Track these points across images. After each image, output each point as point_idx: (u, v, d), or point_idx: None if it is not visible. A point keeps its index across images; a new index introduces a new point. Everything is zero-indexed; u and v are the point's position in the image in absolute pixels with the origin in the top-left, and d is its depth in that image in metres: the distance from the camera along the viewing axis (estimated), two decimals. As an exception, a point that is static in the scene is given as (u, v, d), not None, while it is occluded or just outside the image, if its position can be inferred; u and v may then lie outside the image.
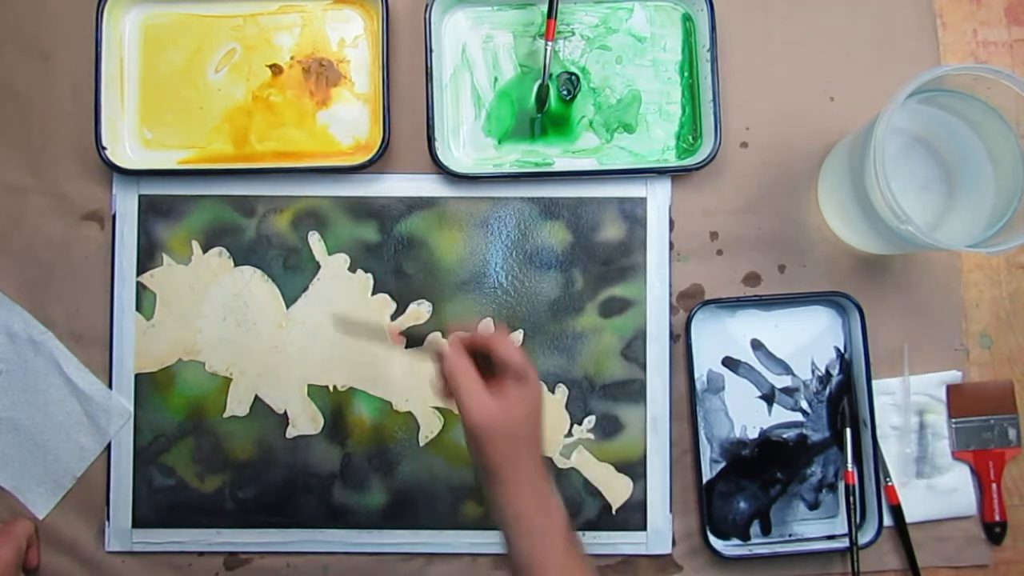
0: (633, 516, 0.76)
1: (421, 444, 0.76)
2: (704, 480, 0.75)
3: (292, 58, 0.78)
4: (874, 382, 0.75)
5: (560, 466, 0.76)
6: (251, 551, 0.76)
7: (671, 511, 0.76)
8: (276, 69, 0.78)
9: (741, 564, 0.75)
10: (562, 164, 0.77)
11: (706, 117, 0.76)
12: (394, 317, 0.77)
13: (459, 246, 0.77)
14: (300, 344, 0.77)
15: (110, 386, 0.76)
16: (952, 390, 0.76)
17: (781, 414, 0.77)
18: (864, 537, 0.74)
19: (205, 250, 0.77)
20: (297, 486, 0.76)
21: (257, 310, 0.77)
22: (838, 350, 0.77)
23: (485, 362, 0.59)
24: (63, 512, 0.76)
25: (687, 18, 0.78)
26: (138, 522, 0.76)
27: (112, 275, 0.77)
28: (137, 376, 0.76)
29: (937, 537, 0.76)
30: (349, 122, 0.78)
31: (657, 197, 0.77)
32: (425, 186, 0.77)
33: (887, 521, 0.75)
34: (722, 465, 0.76)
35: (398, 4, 0.77)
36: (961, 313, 0.77)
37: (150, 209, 0.77)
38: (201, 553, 0.76)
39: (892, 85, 0.65)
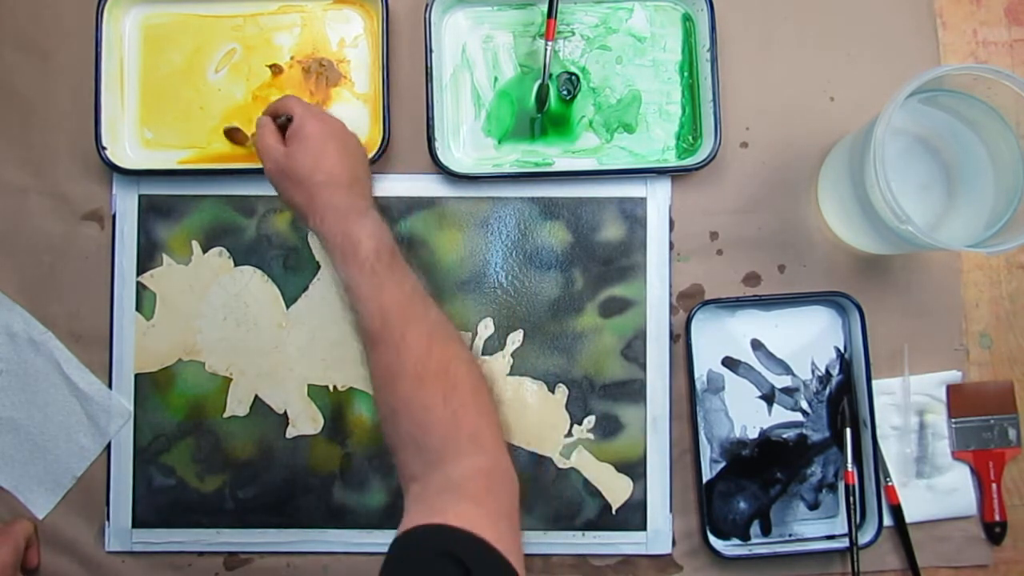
0: (633, 516, 0.76)
1: (421, 444, 0.76)
2: (704, 480, 0.75)
3: (292, 58, 0.78)
4: (874, 382, 0.75)
5: (560, 466, 0.76)
6: (251, 551, 0.76)
7: (671, 511, 0.76)
8: (276, 69, 0.78)
9: (741, 564, 0.75)
10: (562, 164, 0.77)
11: (706, 117, 0.76)
12: (394, 317, 0.77)
13: (459, 246, 0.77)
14: (300, 344, 0.77)
15: (110, 386, 0.76)
16: (952, 390, 0.76)
17: (781, 414, 0.77)
18: (864, 537, 0.74)
19: (205, 250, 0.77)
20: (297, 486, 0.76)
21: (257, 310, 0.77)
22: (838, 350, 0.77)
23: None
24: (63, 512, 0.76)
25: (687, 18, 0.78)
26: (138, 522, 0.76)
27: (112, 275, 0.77)
28: (137, 376, 0.76)
29: (937, 537, 0.76)
30: (349, 122, 0.76)
31: (657, 197, 0.77)
32: (425, 186, 0.77)
33: (887, 521, 0.75)
34: (722, 465, 0.76)
35: (398, 4, 0.77)
36: (961, 313, 0.77)
37: (150, 209, 0.77)
38: (201, 553, 0.76)
39: (892, 85, 0.65)
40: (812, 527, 0.76)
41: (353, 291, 0.61)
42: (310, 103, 0.68)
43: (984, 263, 0.78)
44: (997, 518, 0.76)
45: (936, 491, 0.76)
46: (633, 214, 0.77)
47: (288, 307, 0.77)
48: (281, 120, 0.67)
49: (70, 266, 0.77)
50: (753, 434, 0.77)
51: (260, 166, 0.75)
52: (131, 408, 0.76)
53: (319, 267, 0.77)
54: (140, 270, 0.77)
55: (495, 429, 0.59)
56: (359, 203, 0.64)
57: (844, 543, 0.74)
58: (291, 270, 0.77)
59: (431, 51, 0.75)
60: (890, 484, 0.75)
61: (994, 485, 0.76)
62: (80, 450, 0.76)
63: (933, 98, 0.69)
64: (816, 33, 0.78)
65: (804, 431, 0.77)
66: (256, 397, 0.77)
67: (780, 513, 0.76)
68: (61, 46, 0.78)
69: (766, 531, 0.76)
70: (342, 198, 0.63)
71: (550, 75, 0.76)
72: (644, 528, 0.76)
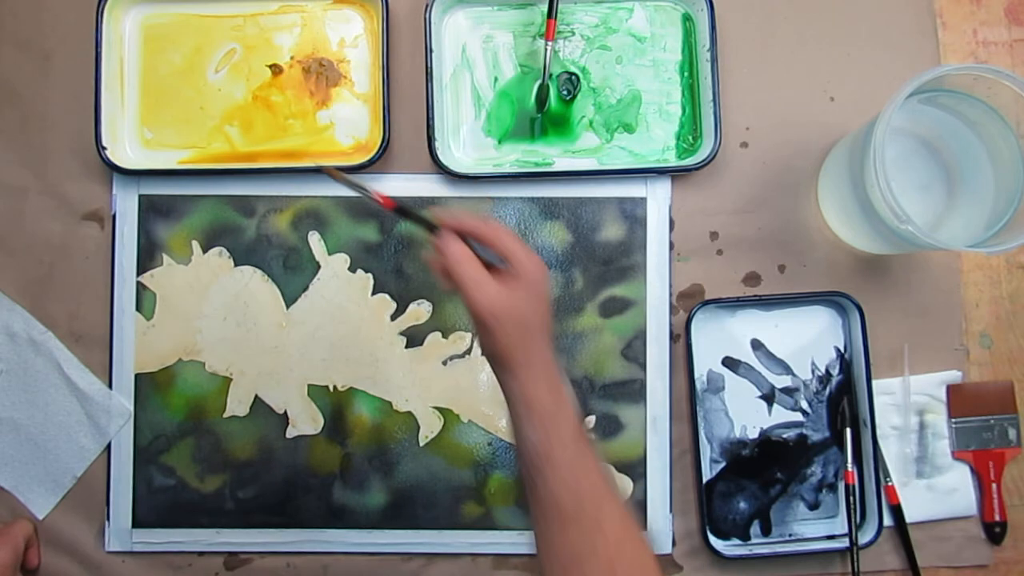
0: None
1: (421, 444, 0.76)
2: (704, 480, 0.75)
3: (292, 58, 0.78)
4: (874, 382, 0.75)
5: (560, 466, 0.76)
6: (251, 551, 0.76)
7: (671, 511, 0.76)
8: (276, 69, 0.78)
9: (741, 564, 0.75)
10: (562, 164, 0.77)
11: (706, 117, 0.76)
12: (394, 317, 0.77)
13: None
14: (300, 344, 0.77)
15: (110, 386, 0.76)
16: (952, 390, 0.76)
17: (781, 414, 0.77)
18: (864, 537, 0.74)
19: (205, 250, 0.77)
20: (297, 486, 0.76)
21: (257, 310, 0.77)
22: (838, 350, 0.77)
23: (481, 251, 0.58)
24: (63, 512, 0.76)
25: (687, 18, 0.78)
26: (138, 522, 0.76)
27: (112, 275, 0.77)
28: (137, 376, 0.76)
29: (937, 537, 0.76)
30: (349, 122, 0.78)
31: (657, 197, 0.77)
32: (425, 186, 0.77)
33: (887, 521, 0.75)
34: (722, 465, 0.76)
35: (398, 4, 0.77)
36: (961, 313, 0.77)
37: (150, 209, 0.77)
38: (201, 553, 0.76)
39: (892, 85, 0.65)
40: (812, 527, 0.76)
41: (550, 460, 0.54)
42: (514, 234, 0.59)
43: (984, 263, 0.78)
44: (997, 518, 0.76)
45: (936, 491, 0.76)
46: (633, 214, 0.77)
47: (288, 307, 0.77)
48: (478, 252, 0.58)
49: (70, 266, 0.77)
50: (753, 434, 0.77)
51: (260, 166, 0.76)
52: (131, 408, 0.76)
53: (319, 267, 0.77)
54: (140, 270, 0.77)
55: None
56: (560, 365, 0.58)
57: (844, 543, 0.74)
58: (291, 270, 0.77)
59: (431, 51, 0.75)
60: (890, 484, 0.75)
61: (994, 485, 0.76)
62: (80, 450, 0.76)
63: (933, 98, 0.69)
64: (816, 33, 0.78)
65: (804, 431, 0.77)
66: (256, 397, 0.77)
67: (780, 513, 0.76)
68: (61, 46, 0.78)
69: (766, 531, 0.76)
70: (551, 351, 0.57)
71: (550, 75, 0.76)
72: (644, 528, 0.76)
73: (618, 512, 0.55)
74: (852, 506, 0.74)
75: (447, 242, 0.57)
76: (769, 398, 0.77)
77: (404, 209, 0.59)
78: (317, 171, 0.69)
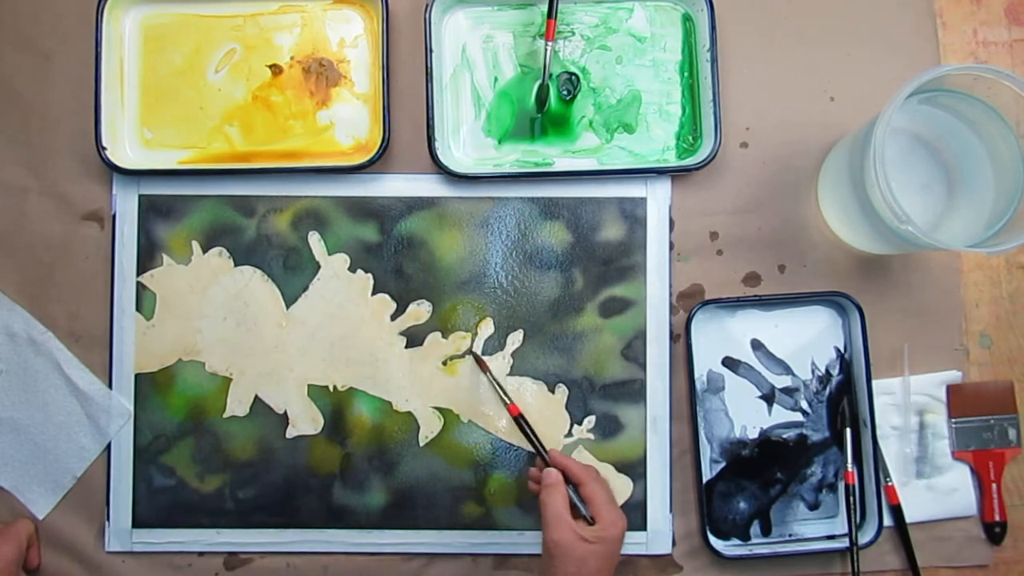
0: (633, 516, 0.76)
1: (421, 444, 0.76)
2: (704, 480, 0.75)
3: (292, 58, 0.78)
4: (874, 382, 0.75)
5: (560, 466, 0.76)
6: (251, 551, 0.76)
7: (671, 511, 0.76)
8: (276, 69, 0.78)
9: (741, 564, 0.75)
10: (562, 164, 0.77)
11: (706, 117, 0.76)
12: (394, 317, 0.77)
13: (459, 246, 0.77)
14: (300, 344, 0.77)
15: (110, 386, 0.76)
16: (952, 390, 0.76)
17: (781, 414, 0.77)
18: (864, 537, 0.74)
19: (205, 250, 0.77)
20: (297, 486, 0.76)
21: (257, 310, 0.77)
22: (838, 350, 0.77)
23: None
24: (63, 512, 0.76)
25: (687, 18, 0.78)
26: (138, 522, 0.76)
27: (112, 275, 0.77)
28: (137, 376, 0.76)
29: (937, 537, 0.76)
30: (349, 122, 0.78)
31: (657, 197, 0.77)
32: (425, 186, 0.77)
33: (887, 521, 0.75)
34: (722, 465, 0.76)
35: (398, 4, 0.77)
36: (961, 313, 0.77)
37: (150, 209, 0.77)
38: (201, 553, 0.76)
39: (892, 85, 0.65)
40: (812, 527, 0.76)
41: None
42: (608, 487, 0.68)
43: (984, 263, 0.78)
44: (997, 518, 0.76)
45: (936, 491, 0.76)
46: (633, 214, 0.77)
47: (288, 307, 0.77)
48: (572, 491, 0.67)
49: (70, 266, 0.77)
50: (753, 434, 0.77)
51: (260, 166, 0.76)
52: (131, 408, 0.76)
53: (319, 267, 0.77)
54: (140, 270, 0.77)
55: None
56: None
57: (844, 543, 0.74)
58: (291, 270, 0.77)
59: (431, 51, 0.75)
60: (890, 484, 0.75)
61: (994, 485, 0.76)
62: (80, 450, 0.76)
63: (933, 98, 0.69)
64: (816, 33, 0.78)
65: (804, 431, 0.77)
66: (256, 397, 0.77)
67: (780, 513, 0.76)
68: (61, 46, 0.78)
69: (766, 531, 0.76)
70: None
71: (550, 75, 0.76)
72: (644, 528, 0.76)
73: None
74: (852, 506, 0.74)
75: (552, 474, 0.66)
76: (769, 398, 0.77)
77: (525, 427, 0.71)
78: (471, 355, 0.77)
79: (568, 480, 0.67)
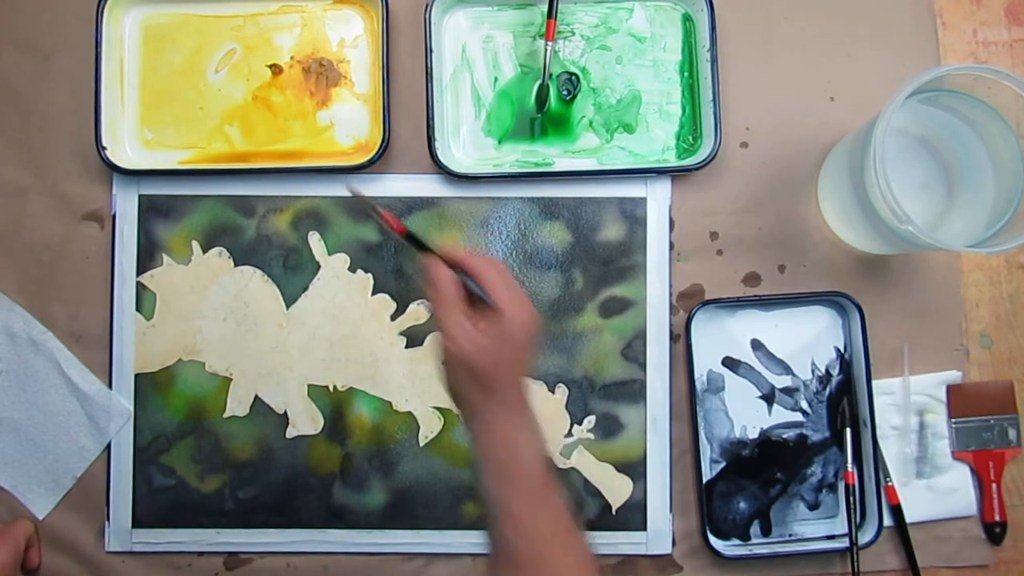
0: (633, 516, 0.76)
1: (421, 444, 0.76)
2: (704, 480, 0.75)
3: (292, 58, 0.78)
4: (874, 382, 0.75)
5: (560, 466, 0.76)
6: (251, 551, 0.76)
7: (671, 511, 0.76)
8: (276, 69, 0.78)
9: (741, 564, 0.75)
10: (562, 164, 0.77)
11: (706, 117, 0.76)
12: (394, 317, 0.77)
13: (459, 246, 0.77)
14: (300, 344, 0.77)
15: (110, 386, 0.76)
16: (952, 390, 0.76)
17: (781, 414, 0.77)
18: (864, 537, 0.74)
19: (205, 250, 0.77)
20: (297, 486, 0.76)
21: (257, 310, 0.77)
22: (838, 350, 0.77)
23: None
24: (63, 512, 0.76)
25: (687, 18, 0.78)
26: (138, 522, 0.76)
27: (112, 275, 0.77)
28: (137, 376, 0.76)
29: (937, 537, 0.76)
30: (349, 122, 0.78)
31: (657, 197, 0.77)
32: (425, 186, 0.77)
33: (887, 521, 0.75)
34: (722, 465, 0.76)
35: (398, 4, 0.77)
36: (961, 313, 0.77)
37: (150, 209, 0.77)
38: (201, 553, 0.76)
39: (892, 85, 0.65)
40: (812, 527, 0.76)
41: (506, 510, 0.54)
42: (510, 276, 0.58)
43: (984, 263, 0.78)
44: (997, 518, 0.76)
45: (936, 491, 0.76)
46: (633, 214, 0.77)
47: (288, 307, 0.77)
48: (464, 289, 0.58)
49: (70, 266, 0.77)
50: (753, 434, 0.77)
51: (260, 166, 0.76)
52: (131, 408, 0.76)
53: (319, 267, 0.77)
54: (140, 270, 0.77)
55: None
56: (528, 410, 0.57)
57: (844, 543, 0.74)
58: (291, 270, 0.77)
59: (431, 51, 0.75)
60: (890, 484, 0.75)
61: (994, 485, 0.76)
62: (80, 450, 0.76)
63: (933, 98, 0.69)
64: (816, 33, 0.78)
65: (804, 431, 0.77)
66: (256, 397, 0.77)
67: (780, 513, 0.76)
68: (61, 46, 0.78)
69: (766, 531, 0.76)
70: (518, 401, 0.56)
71: (550, 75, 0.76)
72: (644, 528, 0.76)
73: (574, 559, 0.55)
74: (852, 506, 0.74)
75: (436, 270, 0.56)
76: (769, 398, 0.77)
77: (411, 234, 0.60)
78: (314, 170, 0.72)
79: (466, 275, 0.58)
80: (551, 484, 0.56)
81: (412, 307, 0.77)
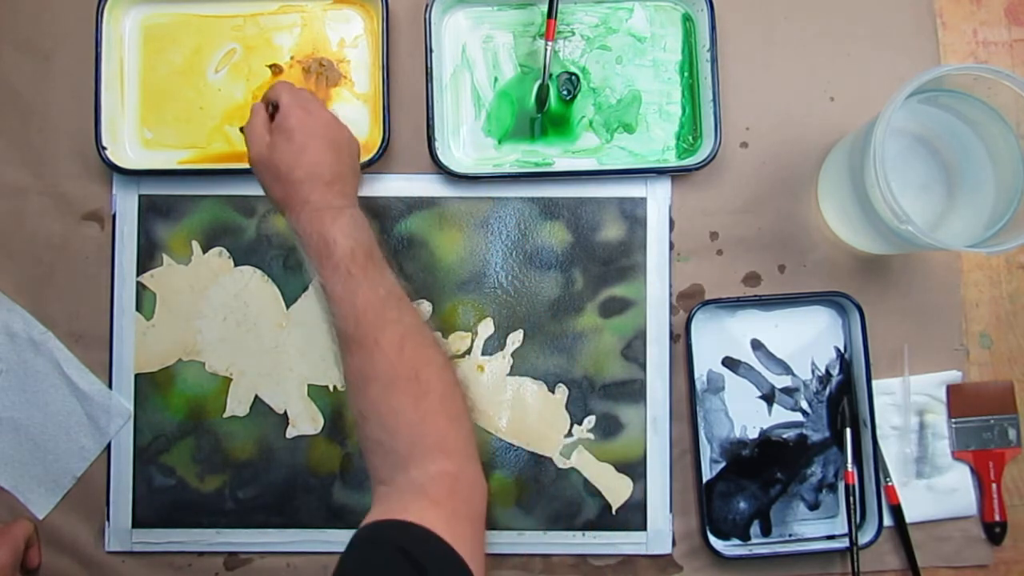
0: (633, 516, 0.76)
1: (421, 444, 0.76)
2: (704, 480, 0.75)
3: (292, 58, 0.78)
4: (874, 382, 0.75)
5: (560, 466, 0.76)
6: (251, 551, 0.76)
7: (671, 511, 0.76)
8: (276, 69, 0.78)
9: (741, 564, 0.75)
10: (562, 164, 0.77)
11: (706, 117, 0.76)
12: (394, 317, 0.77)
13: (459, 246, 0.77)
14: (300, 344, 0.77)
15: (110, 386, 0.76)
16: (952, 390, 0.76)
17: (781, 414, 0.77)
18: (864, 537, 0.74)
19: (205, 250, 0.77)
20: (297, 486, 0.76)
21: (257, 310, 0.77)
22: (838, 350, 0.77)
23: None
24: (63, 512, 0.76)
25: (687, 18, 0.78)
26: (138, 522, 0.76)
27: (112, 275, 0.77)
28: (137, 376, 0.76)
29: (937, 537, 0.76)
30: (349, 122, 0.76)
31: (657, 197, 0.77)
32: (425, 186, 0.77)
33: (887, 521, 0.75)
34: (722, 465, 0.76)
35: (398, 4, 0.77)
36: (961, 313, 0.77)
37: (150, 209, 0.77)
38: (201, 553, 0.76)
39: (892, 85, 0.65)
40: (812, 527, 0.76)
41: (327, 292, 0.60)
42: (302, 90, 0.65)
43: (984, 263, 0.78)
44: (997, 518, 0.76)
45: (936, 491, 0.76)
46: (633, 214, 0.77)
47: (288, 307, 0.77)
48: (271, 109, 0.65)
49: (70, 266, 0.77)
50: (753, 434, 0.77)
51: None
52: (131, 408, 0.76)
53: (319, 267, 0.77)
54: (140, 270, 0.77)
55: (464, 435, 0.59)
56: (337, 201, 0.62)
57: (844, 543, 0.74)
58: (291, 270, 0.77)
59: (431, 51, 0.75)
60: (890, 484, 0.75)
61: (994, 485, 0.76)
62: (80, 450, 0.76)
63: (933, 98, 0.69)
64: (816, 33, 0.78)
65: (804, 431, 0.77)
66: (256, 397, 0.77)
67: (780, 513, 0.76)
68: (61, 46, 0.78)
69: (766, 531, 0.76)
70: (320, 196, 0.61)
71: (550, 75, 0.76)
72: (644, 528, 0.76)
73: (397, 327, 0.59)
74: (852, 506, 0.74)
75: (253, 106, 0.65)
76: (769, 398, 0.77)
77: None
78: None
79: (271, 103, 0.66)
80: (373, 266, 0.61)
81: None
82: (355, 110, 0.78)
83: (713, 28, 0.75)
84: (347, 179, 0.64)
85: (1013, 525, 0.76)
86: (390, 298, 0.60)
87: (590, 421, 0.76)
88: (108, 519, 0.76)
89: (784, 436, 0.77)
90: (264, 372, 0.77)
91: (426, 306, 0.77)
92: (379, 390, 0.57)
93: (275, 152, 0.62)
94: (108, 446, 0.76)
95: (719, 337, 0.77)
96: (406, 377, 0.58)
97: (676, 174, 0.77)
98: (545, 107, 0.77)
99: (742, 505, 0.76)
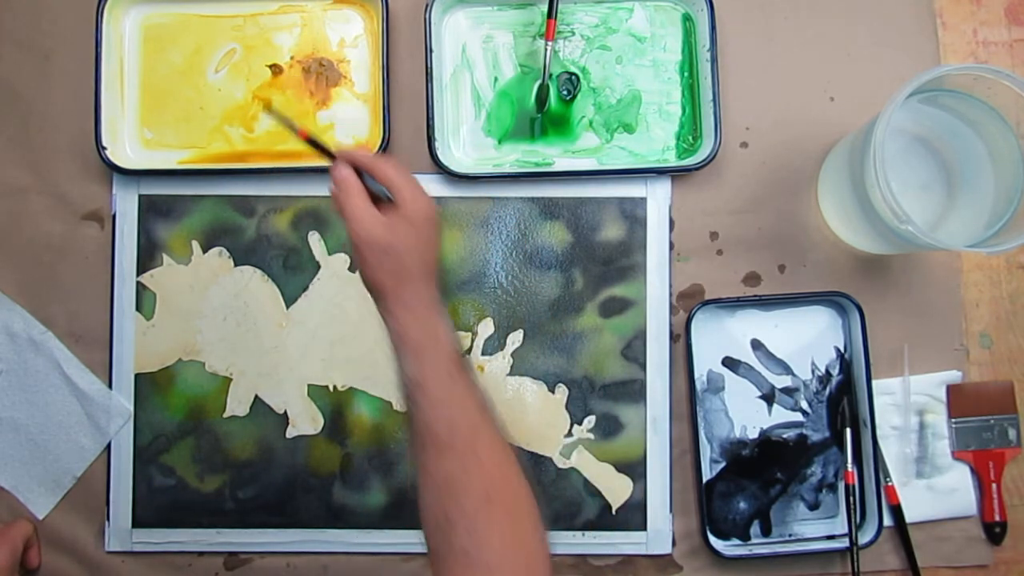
0: (633, 516, 0.76)
1: (421, 444, 0.76)
2: (704, 480, 0.75)
3: (292, 58, 0.78)
4: (874, 382, 0.75)
5: (560, 466, 0.76)
6: (251, 551, 0.76)
7: (671, 511, 0.76)
8: (276, 69, 0.78)
9: (741, 564, 0.75)
10: (562, 164, 0.77)
11: (706, 117, 0.76)
12: (394, 317, 0.77)
13: (459, 246, 0.77)
14: (300, 344, 0.77)
15: (110, 386, 0.76)
16: (952, 390, 0.76)
17: (781, 414, 0.77)
18: (864, 537, 0.74)
19: (205, 250, 0.77)
20: (297, 486, 0.76)
21: (257, 310, 0.77)
22: (838, 350, 0.77)
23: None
24: (63, 512, 0.76)
25: (687, 18, 0.78)
26: (138, 522, 0.76)
27: (112, 275, 0.77)
28: (137, 376, 0.76)
29: (937, 537, 0.76)
30: (349, 122, 0.78)
31: (657, 197, 0.77)
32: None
33: (887, 521, 0.75)
34: (722, 465, 0.76)
35: (398, 4, 0.77)
36: (961, 313, 0.77)
37: (150, 209, 0.77)
38: (201, 553, 0.76)
39: (892, 85, 0.65)
40: (812, 527, 0.76)
41: (424, 390, 0.56)
42: (408, 172, 0.60)
43: (984, 263, 0.78)
44: (997, 518, 0.76)
45: (936, 491, 0.76)
46: (633, 214, 0.77)
47: (288, 307, 0.77)
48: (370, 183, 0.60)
49: (70, 266, 0.77)
50: (753, 434, 0.77)
51: (260, 166, 0.76)
52: (131, 408, 0.76)
53: (319, 267, 0.77)
54: (140, 270, 0.77)
55: (548, 563, 0.57)
56: (439, 296, 0.59)
57: (844, 543, 0.74)
58: (291, 270, 0.77)
59: (431, 51, 0.75)
60: (890, 484, 0.75)
61: (994, 485, 0.76)
62: (80, 450, 0.76)
63: (933, 98, 0.69)
64: (816, 33, 0.78)
65: (804, 431, 0.77)
66: (256, 397, 0.77)
67: (780, 513, 0.76)
68: (61, 46, 0.78)
69: (766, 531, 0.76)
70: (431, 289, 0.58)
71: (550, 75, 0.76)
72: (644, 528, 0.76)
73: (494, 440, 0.57)
74: (852, 506, 0.74)
75: (338, 170, 0.59)
76: (769, 398, 0.77)
77: (313, 139, 0.61)
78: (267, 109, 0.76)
79: (362, 174, 0.60)
80: (466, 368, 0.58)
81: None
82: (355, 110, 0.78)
83: (713, 28, 0.75)
84: (441, 272, 0.61)
85: (1013, 525, 0.76)
86: (486, 406, 0.58)
87: (590, 421, 0.76)
88: (108, 519, 0.76)
89: (784, 436, 0.77)
90: (264, 372, 0.77)
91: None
92: (474, 503, 0.55)
93: (396, 236, 0.57)
94: (108, 446, 0.76)
95: (719, 337, 0.77)
96: (504, 498, 0.56)
97: (676, 174, 0.77)
98: (545, 107, 0.77)
99: (742, 505, 0.76)
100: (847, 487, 0.74)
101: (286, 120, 0.62)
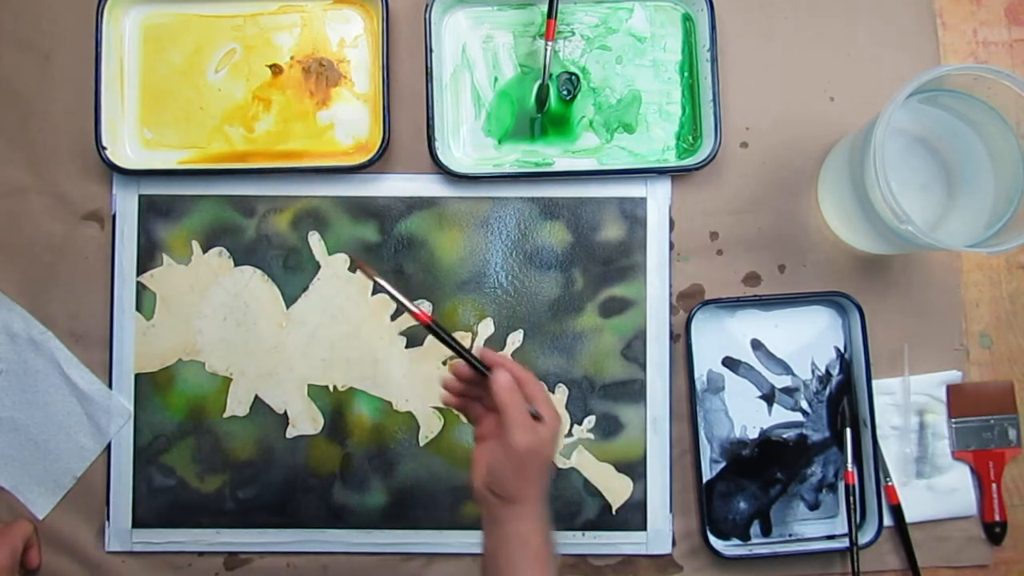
0: (633, 516, 0.76)
1: (421, 444, 0.76)
2: (704, 480, 0.75)
3: (292, 58, 0.78)
4: (874, 382, 0.75)
5: (560, 466, 0.76)
6: (251, 551, 0.76)
7: (671, 511, 0.76)
8: (276, 69, 0.78)
9: (741, 564, 0.75)
10: (562, 164, 0.77)
11: (706, 117, 0.76)
12: (394, 317, 0.77)
13: (459, 246, 0.77)
14: (300, 344, 0.77)
15: (110, 386, 0.76)
16: (952, 390, 0.76)
17: (781, 414, 0.77)
18: (864, 537, 0.74)
19: (205, 250, 0.77)
20: (297, 486, 0.76)
21: (257, 310, 0.77)
22: (838, 350, 0.77)
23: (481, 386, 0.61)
24: (63, 512, 0.76)
25: (687, 18, 0.78)
26: (138, 522, 0.76)
27: (112, 275, 0.77)
28: (137, 376, 0.76)
29: (937, 537, 0.76)
30: (349, 122, 0.78)
31: (657, 197, 0.77)
32: (425, 186, 0.77)
33: (887, 521, 0.75)
34: (722, 465, 0.76)
35: (398, 4, 0.77)
36: (961, 313, 0.77)
37: (150, 209, 0.77)
38: (201, 553, 0.76)
39: (892, 85, 0.65)
40: (812, 527, 0.76)
41: None
42: (544, 386, 0.64)
43: (984, 263, 0.78)
44: (997, 518, 0.76)
45: (936, 491, 0.76)
46: (633, 214, 0.77)
47: (288, 307, 0.77)
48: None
49: (70, 266, 0.77)
50: (753, 434, 0.77)
51: (260, 166, 0.76)
52: (131, 408, 0.76)
53: (319, 267, 0.77)
54: (140, 270, 0.77)
55: None
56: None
57: (844, 543, 0.74)
58: (291, 270, 0.77)
59: (431, 51, 0.75)
60: (890, 484, 0.75)
61: (994, 485, 0.76)
62: (80, 450, 0.76)
63: (933, 98, 0.69)
64: (816, 33, 0.78)
65: (804, 431, 0.77)
66: (256, 397, 0.77)
67: (780, 513, 0.76)
68: (61, 46, 0.78)
69: (766, 531, 0.76)
70: (545, 503, 0.61)
71: (550, 75, 0.76)
72: (644, 528, 0.76)
73: None
74: (852, 506, 0.74)
75: (505, 376, 0.59)
76: (769, 398, 0.77)
77: (443, 335, 0.61)
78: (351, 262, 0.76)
79: None
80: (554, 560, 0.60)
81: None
82: (355, 110, 0.78)
83: (713, 28, 0.75)
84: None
85: (1013, 525, 0.76)
86: None
87: (590, 421, 0.76)
88: (108, 519, 0.76)
89: (784, 436, 0.77)
90: (264, 372, 0.77)
91: (426, 306, 0.77)
92: None
93: (545, 447, 0.59)
94: (108, 446, 0.76)
95: (719, 337, 0.77)
96: None
97: (676, 174, 0.77)
98: (545, 107, 0.77)
99: (742, 505, 0.76)
100: (847, 487, 0.74)
101: (401, 303, 0.60)
